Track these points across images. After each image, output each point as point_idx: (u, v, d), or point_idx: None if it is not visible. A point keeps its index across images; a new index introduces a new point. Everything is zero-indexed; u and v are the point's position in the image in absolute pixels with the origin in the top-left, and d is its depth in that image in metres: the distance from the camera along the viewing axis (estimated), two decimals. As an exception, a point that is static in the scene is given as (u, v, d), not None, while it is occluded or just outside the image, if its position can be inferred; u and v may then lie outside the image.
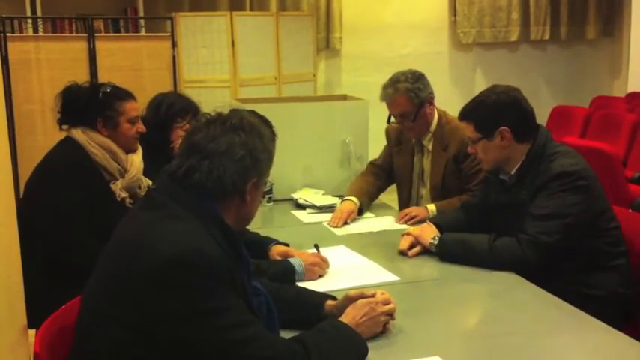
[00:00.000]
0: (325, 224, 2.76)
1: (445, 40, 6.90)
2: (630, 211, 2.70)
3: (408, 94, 2.79)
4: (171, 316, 1.32)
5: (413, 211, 2.78)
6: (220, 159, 1.43)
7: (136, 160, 2.56)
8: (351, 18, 6.45)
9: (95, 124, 2.46)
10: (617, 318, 2.01)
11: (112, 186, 2.46)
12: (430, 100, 2.85)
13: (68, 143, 2.46)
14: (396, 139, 3.07)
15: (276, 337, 1.47)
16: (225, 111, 1.53)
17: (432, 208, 2.78)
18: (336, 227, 2.70)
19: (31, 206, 2.37)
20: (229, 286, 1.38)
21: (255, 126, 1.51)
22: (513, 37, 6.91)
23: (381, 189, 3.12)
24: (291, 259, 2.13)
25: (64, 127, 2.51)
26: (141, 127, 2.56)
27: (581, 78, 7.22)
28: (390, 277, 2.12)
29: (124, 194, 2.48)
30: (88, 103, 2.46)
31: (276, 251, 2.26)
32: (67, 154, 2.43)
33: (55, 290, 1.97)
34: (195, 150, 1.45)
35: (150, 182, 2.56)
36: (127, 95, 2.54)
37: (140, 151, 2.62)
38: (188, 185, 1.43)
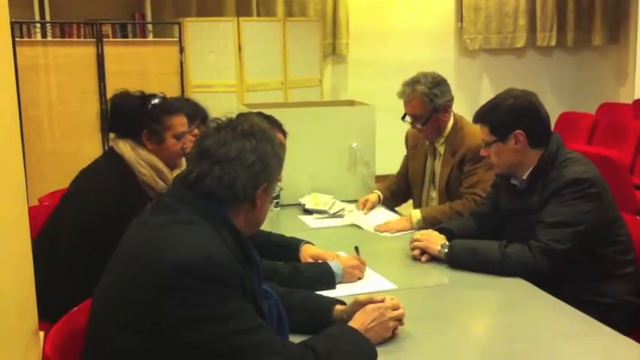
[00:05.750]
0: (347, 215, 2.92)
1: (451, 47, 6.91)
2: (639, 217, 2.68)
3: (423, 98, 2.82)
4: (180, 321, 1.32)
5: (392, 226, 2.73)
6: (231, 164, 1.44)
7: None
8: (357, 24, 6.47)
9: (140, 136, 2.37)
10: (626, 325, 2.00)
11: None
12: (446, 107, 2.88)
13: (116, 160, 2.35)
14: (413, 143, 3.14)
15: (285, 342, 1.47)
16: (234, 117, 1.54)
17: (416, 215, 2.75)
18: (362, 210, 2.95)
19: (70, 220, 2.27)
20: (239, 291, 1.38)
21: (266, 131, 1.51)
22: (520, 43, 6.92)
23: (405, 191, 3.20)
24: (329, 262, 2.12)
25: (111, 135, 2.43)
26: (188, 143, 2.43)
27: (588, 84, 7.21)
28: (387, 285, 2.11)
29: None
30: (135, 114, 2.37)
31: (307, 253, 2.25)
32: (116, 174, 2.31)
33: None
34: (206, 155, 1.45)
35: None
36: (175, 110, 2.45)
37: (184, 167, 2.55)
38: (199, 190, 1.44)
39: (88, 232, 2.21)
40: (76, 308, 1.62)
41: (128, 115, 2.37)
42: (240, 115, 1.56)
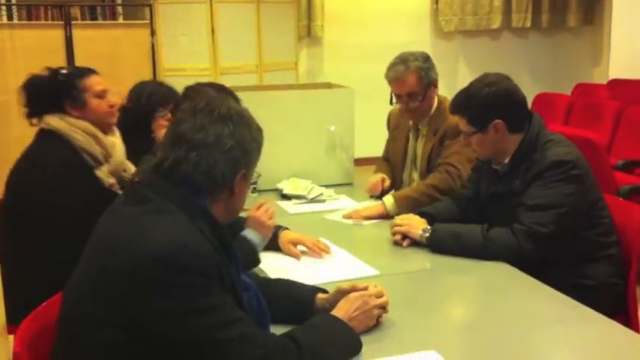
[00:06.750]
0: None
1: (427, 29, 6.87)
2: (619, 198, 2.68)
3: (419, 72, 2.75)
4: (158, 315, 1.27)
5: (363, 212, 2.65)
6: (208, 150, 1.38)
7: (117, 144, 2.48)
8: (332, 6, 6.40)
9: (64, 107, 2.38)
10: (610, 307, 1.99)
11: (98, 172, 2.36)
12: (436, 83, 2.83)
13: (47, 136, 2.35)
14: (395, 123, 3.07)
15: (267, 334, 1.43)
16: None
17: (388, 199, 2.67)
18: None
19: (18, 210, 2.26)
20: (218, 283, 1.33)
21: (244, 115, 1.45)
22: (495, 25, 6.91)
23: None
24: (246, 234, 2.05)
25: (34, 120, 2.42)
26: (112, 100, 2.48)
27: (563, 65, 7.25)
28: (370, 271, 2.07)
29: (111, 180, 2.39)
30: (50, 88, 2.39)
31: (287, 239, 2.21)
32: (52, 150, 2.31)
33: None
34: (181, 141, 1.38)
35: (134, 168, 2.48)
36: (87, 71, 2.48)
37: (119, 134, 2.55)
38: (174, 178, 1.37)
39: (54, 223, 2.21)
40: (45, 303, 1.55)
41: (43, 91, 2.40)
42: (194, 90, 1.48)
